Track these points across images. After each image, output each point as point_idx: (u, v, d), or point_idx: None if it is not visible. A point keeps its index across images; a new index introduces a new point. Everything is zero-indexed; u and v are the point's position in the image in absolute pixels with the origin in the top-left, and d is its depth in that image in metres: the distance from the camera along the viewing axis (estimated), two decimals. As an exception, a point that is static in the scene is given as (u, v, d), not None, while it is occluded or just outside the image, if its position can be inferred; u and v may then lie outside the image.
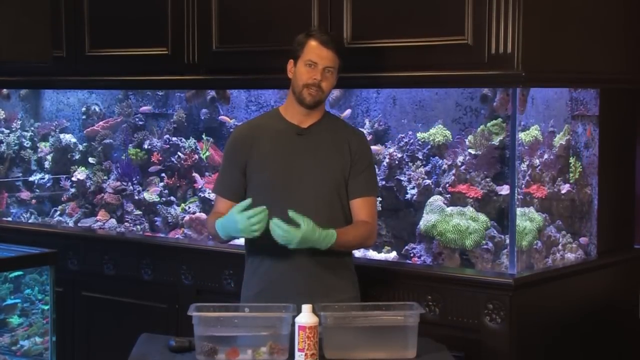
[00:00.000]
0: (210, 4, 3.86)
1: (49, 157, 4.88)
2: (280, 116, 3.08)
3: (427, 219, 3.62)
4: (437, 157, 3.76)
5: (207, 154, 4.38)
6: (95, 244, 4.25)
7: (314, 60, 2.97)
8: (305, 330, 2.56)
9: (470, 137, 3.67)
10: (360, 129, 3.85)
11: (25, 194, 4.93)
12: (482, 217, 3.55)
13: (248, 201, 2.88)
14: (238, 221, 2.85)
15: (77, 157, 4.79)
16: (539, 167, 3.61)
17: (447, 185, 3.67)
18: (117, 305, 4.10)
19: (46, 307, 3.73)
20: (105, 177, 4.63)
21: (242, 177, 3.05)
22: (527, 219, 3.49)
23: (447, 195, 3.66)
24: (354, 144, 3.08)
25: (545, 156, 3.63)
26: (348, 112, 3.95)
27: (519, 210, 3.37)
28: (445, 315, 3.28)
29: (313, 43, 2.98)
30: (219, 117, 4.34)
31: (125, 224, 4.49)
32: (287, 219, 2.90)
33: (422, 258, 3.65)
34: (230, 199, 3.07)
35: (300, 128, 3.05)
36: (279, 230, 2.82)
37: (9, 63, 3.96)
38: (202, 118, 4.42)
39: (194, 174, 4.38)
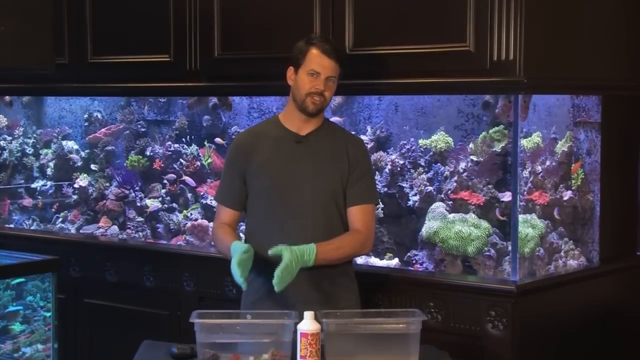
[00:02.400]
0: (212, 11, 3.87)
1: (51, 164, 4.89)
2: (280, 123, 3.08)
3: (429, 226, 3.62)
4: (439, 164, 3.76)
5: (210, 160, 4.38)
6: (97, 251, 4.26)
7: (316, 70, 2.96)
8: (307, 337, 2.56)
9: (472, 144, 3.67)
10: (362, 135, 3.86)
11: (27, 201, 4.93)
12: (484, 223, 3.55)
13: (247, 248, 2.85)
14: (233, 261, 2.84)
15: (79, 164, 4.79)
16: (541, 174, 3.61)
17: (449, 192, 3.67)
18: (119, 312, 4.10)
19: (48, 314, 3.73)
20: (107, 184, 4.63)
21: (243, 184, 3.06)
22: (529, 226, 3.48)
23: (449, 202, 3.66)
24: (352, 151, 3.07)
25: (547, 163, 3.63)
26: (336, 119, 3.94)
27: (521, 217, 3.37)
28: (447, 322, 3.28)
29: (315, 52, 2.97)
30: (215, 140, 4.34)
31: (127, 230, 4.49)
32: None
33: (424, 265, 3.65)
34: (232, 208, 3.08)
35: (299, 135, 3.05)
36: (277, 279, 2.79)
37: (11, 70, 3.97)
38: (204, 125, 4.42)
39: (185, 177, 4.39)
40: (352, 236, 3.01)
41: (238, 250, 2.84)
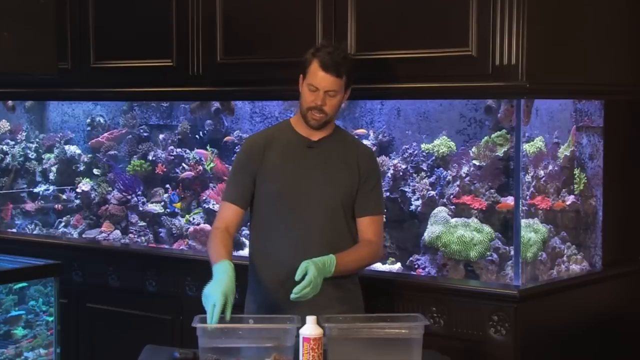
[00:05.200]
0: (215, 16, 3.87)
1: (53, 169, 4.89)
2: (291, 127, 3.08)
3: (431, 231, 3.61)
4: (441, 169, 3.76)
5: (212, 165, 4.39)
6: (99, 256, 4.26)
7: (314, 84, 2.95)
8: (309, 342, 2.55)
9: (474, 149, 3.67)
10: (365, 140, 3.86)
11: (29, 205, 4.94)
12: (487, 228, 3.55)
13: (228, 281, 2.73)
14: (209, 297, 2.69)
15: (81, 168, 4.79)
16: (544, 179, 3.61)
17: (452, 196, 3.67)
18: (121, 317, 4.10)
19: (50, 319, 3.73)
20: (110, 189, 4.64)
21: (252, 185, 3.04)
22: (531, 230, 3.48)
23: (452, 207, 3.66)
24: (363, 161, 3.08)
25: (550, 167, 3.63)
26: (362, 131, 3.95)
27: (523, 222, 3.37)
28: (449, 326, 3.27)
29: (315, 65, 2.94)
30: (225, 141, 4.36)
31: (130, 235, 4.49)
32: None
33: (426, 269, 3.65)
34: (236, 204, 3.04)
35: (310, 140, 3.05)
36: (298, 290, 2.76)
37: (14, 75, 3.98)
38: (207, 129, 4.42)
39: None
40: (368, 247, 3.04)
41: (222, 280, 2.71)
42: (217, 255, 2.89)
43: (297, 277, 2.79)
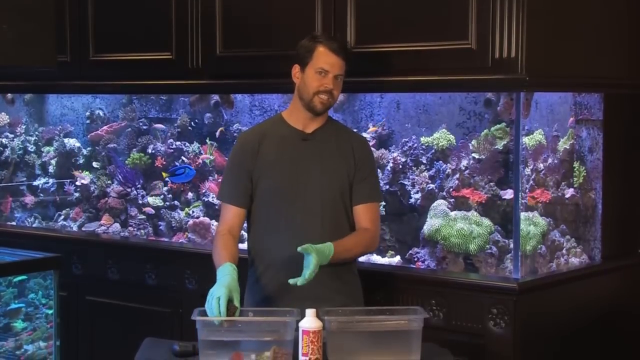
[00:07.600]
0: (214, 9, 3.87)
1: (53, 162, 4.89)
2: (284, 121, 3.08)
3: (431, 224, 3.62)
4: (440, 162, 3.76)
5: (212, 158, 4.38)
6: (99, 249, 4.26)
7: (325, 68, 2.95)
8: (309, 335, 2.56)
9: (474, 142, 3.67)
10: (364, 133, 3.86)
11: (29, 199, 4.94)
12: (486, 221, 3.55)
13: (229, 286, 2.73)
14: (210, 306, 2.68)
15: (81, 161, 4.79)
16: (543, 172, 3.61)
17: (451, 189, 3.67)
18: (121, 310, 4.10)
19: (50, 312, 3.74)
20: (109, 182, 4.64)
21: (250, 183, 3.04)
22: (531, 224, 3.48)
23: (451, 200, 3.66)
24: (358, 149, 3.08)
25: (549, 160, 3.63)
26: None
27: (523, 215, 3.37)
28: (449, 319, 3.28)
29: (322, 50, 2.96)
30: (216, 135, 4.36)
31: (129, 228, 4.49)
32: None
33: (426, 262, 3.65)
34: (238, 205, 3.04)
35: (304, 133, 3.05)
36: (308, 277, 2.77)
37: (14, 68, 3.97)
38: (206, 123, 4.42)
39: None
40: (363, 235, 3.03)
41: (224, 280, 2.74)
42: (220, 259, 2.91)
43: (300, 249, 2.76)
